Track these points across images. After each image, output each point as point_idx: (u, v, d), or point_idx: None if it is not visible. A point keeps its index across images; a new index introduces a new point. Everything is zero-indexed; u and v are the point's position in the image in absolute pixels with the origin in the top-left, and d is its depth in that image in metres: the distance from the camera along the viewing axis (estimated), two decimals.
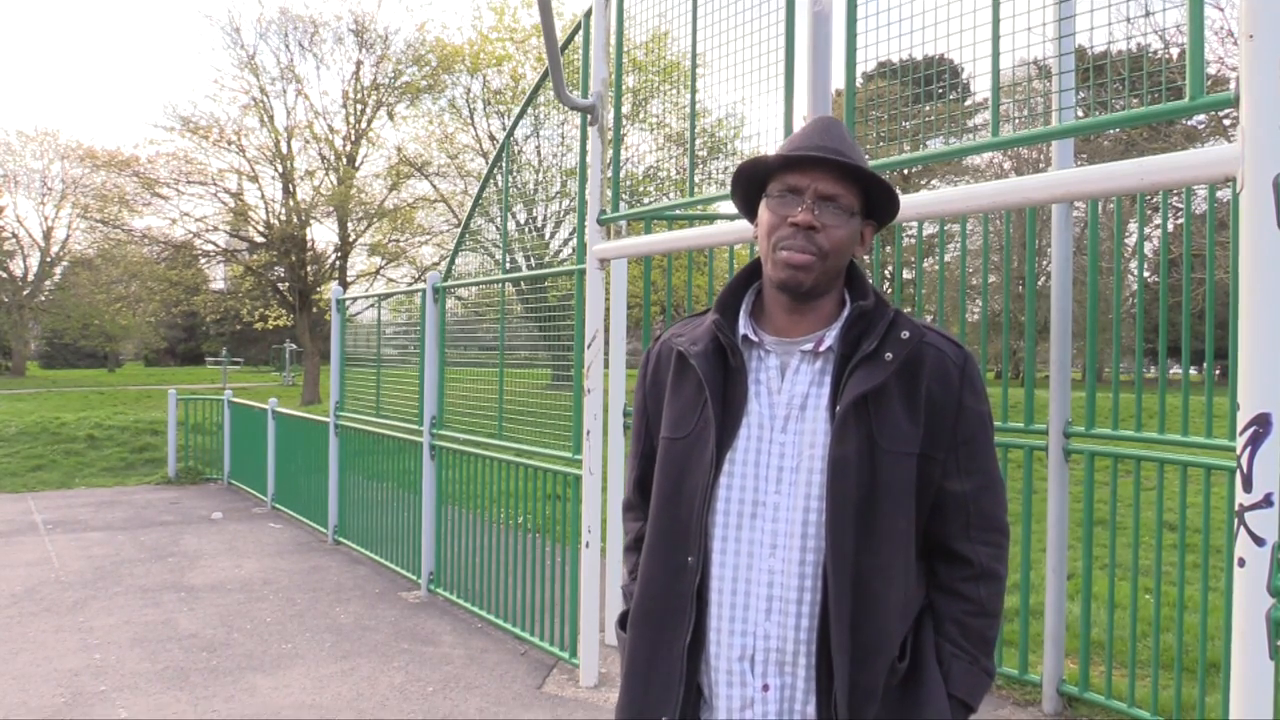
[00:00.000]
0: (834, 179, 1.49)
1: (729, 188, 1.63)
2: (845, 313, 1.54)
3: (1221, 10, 13.26)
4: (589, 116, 4.52)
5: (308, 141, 25.46)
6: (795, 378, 1.52)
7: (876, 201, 1.55)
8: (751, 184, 1.59)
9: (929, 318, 7.29)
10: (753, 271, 1.63)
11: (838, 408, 1.45)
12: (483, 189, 6.14)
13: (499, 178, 6.04)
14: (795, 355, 1.53)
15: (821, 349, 1.51)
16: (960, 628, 1.53)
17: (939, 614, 1.54)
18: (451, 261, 6.31)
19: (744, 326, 1.56)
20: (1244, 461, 1.92)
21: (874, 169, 1.57)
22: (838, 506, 1.43)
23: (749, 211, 1.63)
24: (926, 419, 1.48)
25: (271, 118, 25.10)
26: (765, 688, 1.46)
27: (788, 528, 1.46)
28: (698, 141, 4.15)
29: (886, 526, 1.45)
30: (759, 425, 1.50)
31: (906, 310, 2.35)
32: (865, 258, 1.63)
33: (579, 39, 4.79)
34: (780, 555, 1.46)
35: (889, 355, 1.47)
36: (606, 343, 5.14)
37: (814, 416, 1.48)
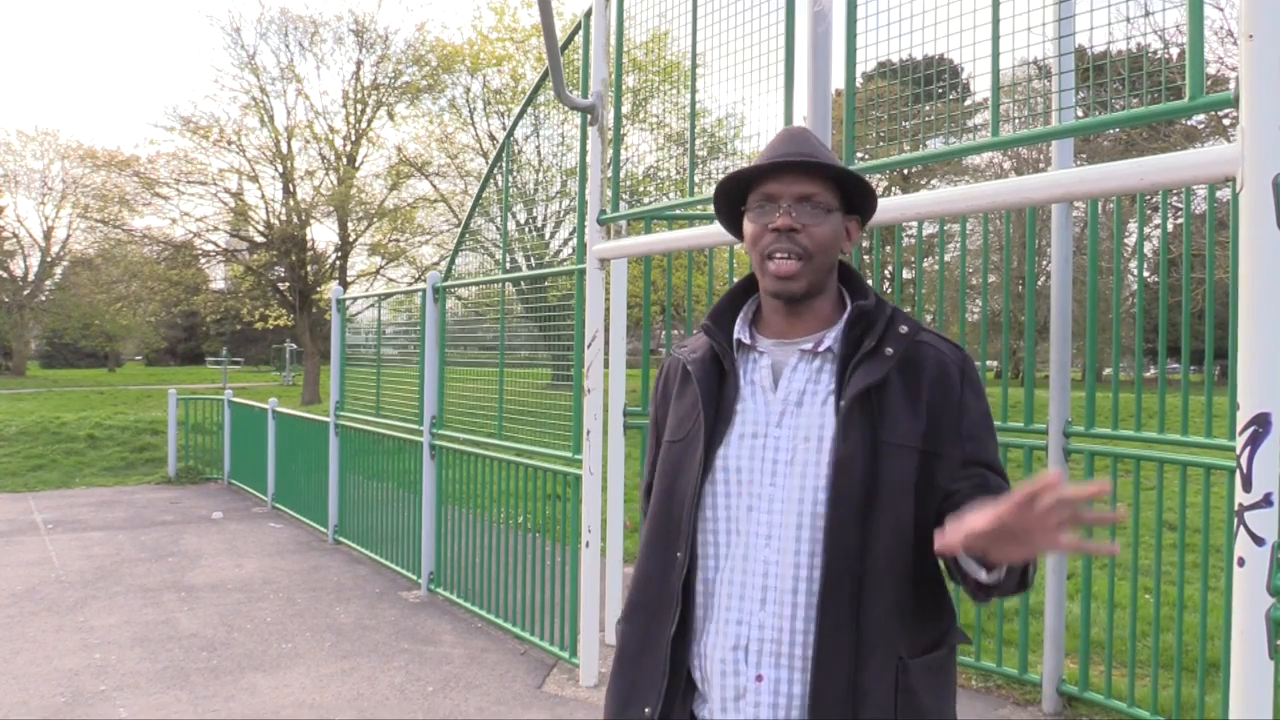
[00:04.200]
0: (806, 180, 1.54)
1: (714, 207, 1.69)
2: (846, 313, 1.58)
3: (1221, 10, 13.27)
4: (589, 116, 4.52)
5: (308, 141, 25.48)
6: (792, 375, 1.55)
7: (855, 198, 1.60)
8: (731, 203, 1.65)
9: (929, 318, 7.29)
10: (751, 282, 1.68)
11: (841, 403, 1.47)
12: (483, 189, 6.14)
13: (499, 178, 6.04)
14: (794, 355, 1.56)
15: (820, 349, 1.55)
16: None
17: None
18: (451, 261, 6.31)
19: (739, 331, 1.61)
20: (1244, 461, 1.92)
21: (863, 169, 1.59)
22: (840, 502, 1.44)
23: (734, 229, 1.69)
24: (929, 416, 1.50)
25: (271, 117, 25.11)
26: (759, 678, 1.47)
27: (783, 519, 1.49)
28: (698, 141, 4.15)
29: (887, 522, 1.45)
30: (753, 423, 1.53)
31: (906, 310, 2.37)
32: (865, 257, 1.64)
33: (579, 39, 4.79)
34: (775, 546, 1.48)
35: (889, 350, 1.51)
36: (606, 343, 5.14)
37: (809, 411, 1.51)
